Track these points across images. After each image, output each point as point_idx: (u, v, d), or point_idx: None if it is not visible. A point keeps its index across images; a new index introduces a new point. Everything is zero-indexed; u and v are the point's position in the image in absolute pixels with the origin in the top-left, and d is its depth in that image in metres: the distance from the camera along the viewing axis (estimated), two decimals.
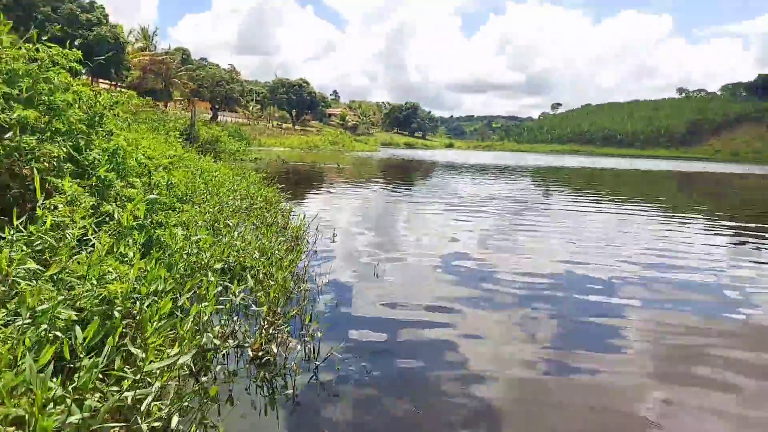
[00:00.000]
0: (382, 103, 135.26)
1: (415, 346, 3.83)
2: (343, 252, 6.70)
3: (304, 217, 7.46)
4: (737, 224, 11.22)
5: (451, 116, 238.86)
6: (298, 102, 71.12)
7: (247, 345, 3.46)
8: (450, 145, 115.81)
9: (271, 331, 3.56)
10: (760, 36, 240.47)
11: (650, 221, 11.16)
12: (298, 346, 3.63)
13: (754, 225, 11.34)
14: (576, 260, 6.79)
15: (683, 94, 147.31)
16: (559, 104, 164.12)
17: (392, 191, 15.53)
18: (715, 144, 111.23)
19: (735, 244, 8.92)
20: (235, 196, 8.01)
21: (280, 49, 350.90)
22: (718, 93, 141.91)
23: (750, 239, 9.45)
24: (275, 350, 3.38)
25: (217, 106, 54.71)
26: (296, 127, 72.18)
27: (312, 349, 3.55)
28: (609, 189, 20.78)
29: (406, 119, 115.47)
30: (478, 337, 4.05)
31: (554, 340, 4.04)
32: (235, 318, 3.68)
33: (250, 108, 67.56)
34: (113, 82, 45.20)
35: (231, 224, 5.98)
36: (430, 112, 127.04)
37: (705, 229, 10.28)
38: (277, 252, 5.32)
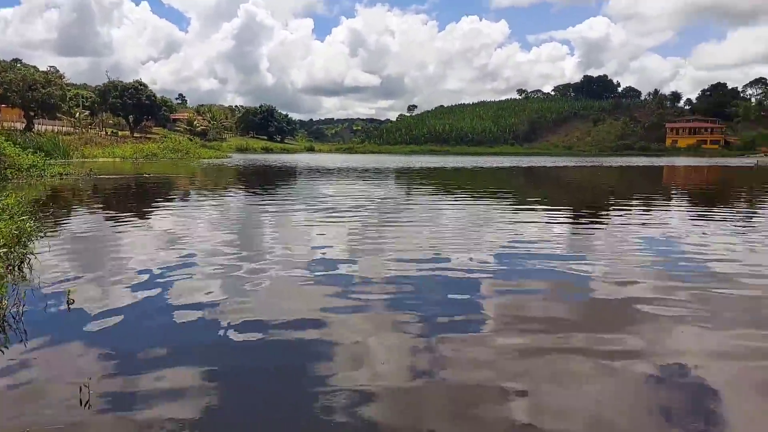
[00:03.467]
0: (236, 106, 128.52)
1: (284, 367, 3.49)
2: (193, 274, 5.78)
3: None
4: (575, 211, 12.71)
5: (311, 119, 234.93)
6: (134, 107, 63.44)
7: None
8: (311, 149, 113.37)
9: None
10: (582, 41, 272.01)
11: (503, 212, 11.94)
12: None
13: (588, 210, 12.97)
14: (439, 255, 6.81)
15: (523, 95, 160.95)
16: (414, 106, 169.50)
17: (250, 201, 14.24)
18: (553, 139, 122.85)
19: (574, 227, 9.87)
20: None
21: (113, 49, 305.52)
22: (552, 93, 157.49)
23: (584, 222, 10.64)
24: None
25: (33, 114, 46.51)
26: (135, 134, 64.65)
27: None
28: (466, 185, 20.89)
29: (262, 123, 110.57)
30: (351, 344, 3.80)
31: (422, 338, 3.94)
32: None
33: (77, 115, 59.02)
34: None
35: None
36: (287, 115, 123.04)
37: (549, 217, 11.13)
38: None
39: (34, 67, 67.62)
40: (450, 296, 5.04)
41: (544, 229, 9.27)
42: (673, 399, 3.04)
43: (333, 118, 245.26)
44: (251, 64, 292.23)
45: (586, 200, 16.00)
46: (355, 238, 8.19)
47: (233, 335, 3.95)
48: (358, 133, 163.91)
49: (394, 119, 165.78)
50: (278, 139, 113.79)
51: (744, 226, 9.98)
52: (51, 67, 68.51)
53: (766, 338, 3.99)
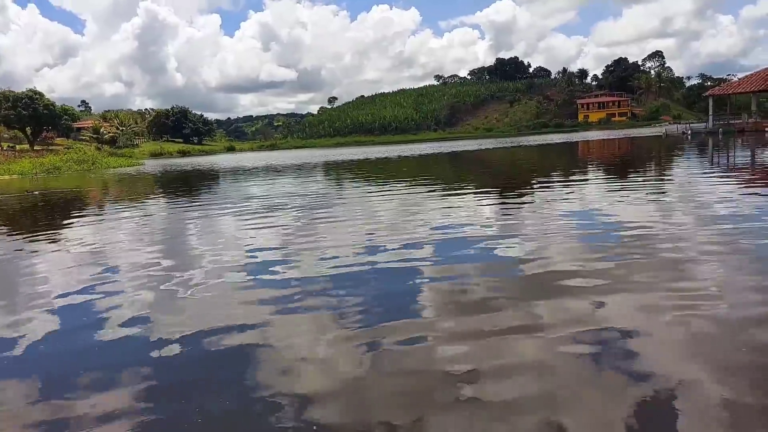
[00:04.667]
0: (146, 110, 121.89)
1: (226, 378, 3.25)
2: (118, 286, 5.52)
3: None
4: (501, 191, 12.88)
5: (228, 118, 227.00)
6: (31, 117, 58.43)
7: None
8: (231, 148, 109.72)
9: None
10: (490, 25, 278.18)
11: (432, 198, 12.01)
12: None
13: (513, 189, 13.11)
14: (374, 247, 6.78)
15: (440, 81, 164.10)
16: (334, 98, 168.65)
17: (171, 208, 13.62)
18: (473, 123, 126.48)
19: (501, 208, 10.09)
20: None
21: (1, 57, 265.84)
22: (468, 77, 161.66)
23: (510, 202, 10.84)
24: None
25: None
26: (36, 147, 59.65)
27: None
28: (394, 174, 20.96)
29: (176, 125, 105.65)
30: (293, 347, 3.67)
31: (364, 323, 4.02)
32: None
33: None
34: None
35: None
36: (202, 115, 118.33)
37: (476, 199, 11.44)
38: None
39: None
40: (389, 286, 5.03)
41: (472, 212, 9.39)
42: (609, 362, 3.13)
43: (252, 115, 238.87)
44: (158, 65, 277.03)
45: (510, 180, 16.42)
46: (288, 237, 7.91)
47: (168, 352, 3.65)
48: (280, 128, 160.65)
49: (316, 112, 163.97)
50: (195, 141, 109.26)
51: (657, 192, 10.61)
52: None
53: (682, 297, 4.17)
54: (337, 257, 6.25)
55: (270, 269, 5.88)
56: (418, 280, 5.11)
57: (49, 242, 8.90)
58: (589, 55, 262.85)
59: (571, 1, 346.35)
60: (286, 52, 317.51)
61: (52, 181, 28.87)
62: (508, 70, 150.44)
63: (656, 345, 3.32)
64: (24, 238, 9.60)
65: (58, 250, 8.02)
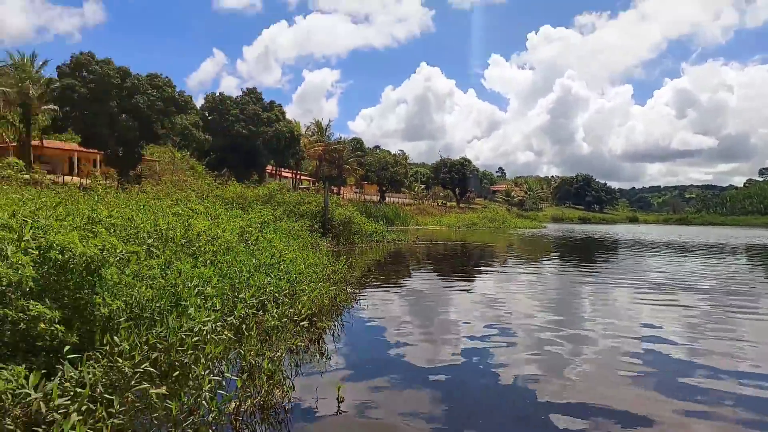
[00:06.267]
0: (551, 177, 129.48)
1: None
2: (515, 339, 6.11)
3: None
4: None
5: (633, 187, 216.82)
6: (460, 180, 70.83)
7: None
8: (634, 219, 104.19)
9: None
10: None
11: None
12: None
13: None
14: None
15: None
16: (767, 169, 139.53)
17: (567, 271, 14.22)
18: None
19: None
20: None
21: (445, 132, 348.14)
22: None
23: None
24: None
25: (384, 188, 56.85)
26: (461, 205, 71.53)
27: None
28: None
29: (578, 192, 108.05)
30: None
31: None
32: None
33: (415, 188, 69.18)
34: (293, 171, 49.92)
35: None
36: (605, 183, 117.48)
37: None
38: None
39: (387, 151, 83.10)
40: None
41: None
42: None
43: (659, 186, 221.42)
44: (566, 135, 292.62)
45: None
46: (692, 324, 7.07)
47: (550, 415, 3.91)
48: (692, 201, 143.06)
49: (740, 185, 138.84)
50: (596, 209, 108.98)
51: None
52: (399, 150, 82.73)
53: None
54: (761, 372, 5.16)
55: (667, 357, 5.41)
56: None
57: (462, 285, 10.63)
58: None
59: None
60: (704, 118, 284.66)
61: (469, 234, 34.05)
62: None
63: None
64: (444, 278, 11.75)
65: (467, 293, 9.49)
